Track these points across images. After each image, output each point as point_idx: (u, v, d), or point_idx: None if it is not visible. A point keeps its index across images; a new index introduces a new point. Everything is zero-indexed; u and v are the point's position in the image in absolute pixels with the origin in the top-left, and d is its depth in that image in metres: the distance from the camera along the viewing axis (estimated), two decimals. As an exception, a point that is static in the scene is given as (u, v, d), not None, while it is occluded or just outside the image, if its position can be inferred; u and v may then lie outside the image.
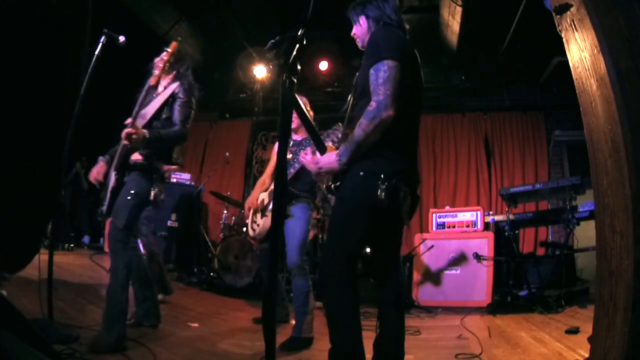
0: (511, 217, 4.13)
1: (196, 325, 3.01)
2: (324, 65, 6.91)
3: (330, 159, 1.69)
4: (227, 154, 6.17)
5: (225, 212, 5.38)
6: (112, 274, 2.27)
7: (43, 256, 2.01)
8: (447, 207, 5.01)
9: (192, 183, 6.05)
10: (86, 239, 6.77)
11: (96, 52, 2.55)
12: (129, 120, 2.24)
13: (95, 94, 2.60)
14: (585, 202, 3.96)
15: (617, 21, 1.36)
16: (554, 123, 6.35)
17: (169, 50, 2.33)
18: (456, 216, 4.54)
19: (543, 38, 3.79)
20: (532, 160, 6.33)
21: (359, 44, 1.88)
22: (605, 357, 1.31)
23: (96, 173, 2.50)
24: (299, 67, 1.22)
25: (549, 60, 5.92)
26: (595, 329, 1.42)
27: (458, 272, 4.23)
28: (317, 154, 1.80)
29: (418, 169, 1.84)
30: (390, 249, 1.80)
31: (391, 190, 1.55)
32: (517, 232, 4.34)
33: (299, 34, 1.24)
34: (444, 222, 4.58)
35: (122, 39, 2.64)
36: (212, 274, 4.87)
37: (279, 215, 1.30)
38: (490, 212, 5.01)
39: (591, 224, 2.43)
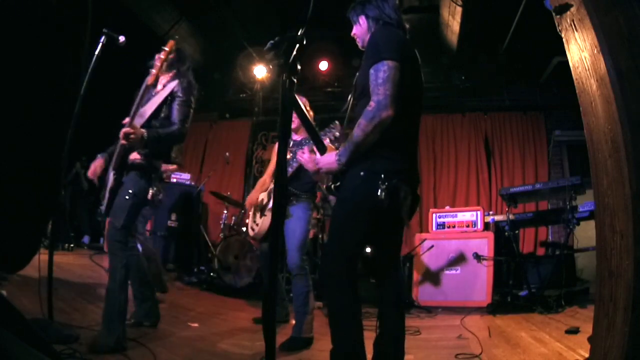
0: (511, 217, 4.13)
1: (196, 325, 3.01)
2: (324, 65, 6.91)
3: (329, 159, 1.69)
4: (227, 154, 6.18)
5: (225, 212, 5.38)
6: (110, 274, 2.27)
7: (43, 256, 2.01)
8: (447, 207, 5.01)
9: (192, 183, 6.05)
10: (86, 239, 6.77)
11: (96, 52, 2.55)
12: (126, 120, 2.22)
13: (95, 94, 2.60)
14: (585, 202, 3.96)
15: (617, 21, 1.36)
16: (554, 123, 6.35)
17: (166, 48, 2.32)
18: (456, 216, 4.54)
19: (543, 38, 3.79)
20: (532, 160, 6.33)
21: (359, 44, 1.88)
22: (605, 357, 1.31)
23: (94, 168, 2.50)
24: (299, 67, 1.22)
25: (549, 60, 5.91)
26: (595, 329, 1.42)
27: (458, 272, 4.23)
28: (317, 154, 1.80)
29: (418, 169, 1.84)
30: (390, 249, 1.80)
31: (392, 189, 1.55)
32: (517, 232, 4.34)
33: (299, 34, 1.24)
34: (444, 222, 4.58)
35: (122, 39, 2.64)
36: (212, 274, 4.87)
37: (279, 215, 1.30)
38: (490, 212, 5.02)
39: (591, 224, 2.43)
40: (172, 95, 2.39)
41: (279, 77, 1.23)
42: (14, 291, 2.60)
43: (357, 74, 1.78)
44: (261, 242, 3.14)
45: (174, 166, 5.29)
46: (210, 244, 5.21)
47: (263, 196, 3.08)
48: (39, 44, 0.73)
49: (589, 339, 1.72)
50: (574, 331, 2.57)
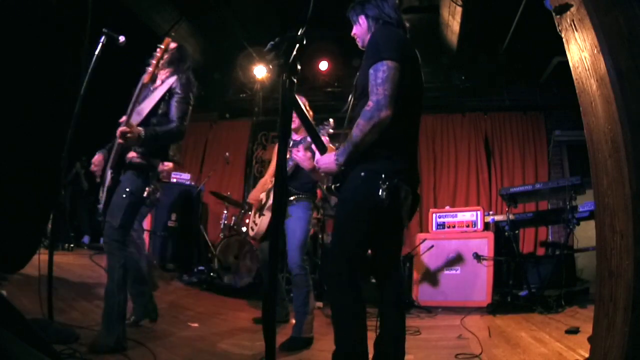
0: (511, 217, 4.13)
1: (196, 325, 3.01)
2: (324, 65, 6.91)
3: (328, 159, 1.69)
4: (227, 154, 6.17)
5: (225, 212, 5.38)
6: (108, 274, 2.25)
7: (43, 256, 2.02)
8: (447, 207, 5.01)
9: (192, 183, 6.05)
10: (86, 239, 6.77)
11: (96, 52, 2.55)
12: (123, 118, 2.19)
13: (95, 94, 2.60)
14: (585, 202, 3.96)
15: (617, 21, 1.36)
16: (554, 123, 6.35)
17: (162, 46, 2.30)
18: (456, 216, 4.54)
19: (543, 38, 3.79)
20: (532, 160, 6.33)
21: (359, 44, 1.88)
22: (605, 357, 1.31)
23: (95, 160, 2.48)
24: (299, 67, 1.22)
25: (549, 60, 5.91)
26: (595, 329, 1.42)
27: (458, 272, 4.23)
28: (317, 154, 1.80)
29: (418, 169, 1.84)
30: (390, 249, 1.80)
31: (392, 189, 1.55)
32: (517, 232, 4.34)
33: (299, 34, 1.24)
34: (444, 222, 4.58)
35: (122, 39, 2.63)
36: (212, 274, 4.87)
37: (279, 215, 1.30)
38: (490, 212, 5.02)
39: (591, 224, 2.43)
40: (170, 92, 2.36)
41: (279, 77, 1.23)
42: (14, 291, 2.60)
43: (358, 74, 1.77)
44: (260, 241, 3.14)
45: (172, 163, 5.27)
46: (210, 244, 5.21)
47: (262, 196, 3.08)
48: (39, 44, 0.73)
49: (589, 339, 1.72)
50: (574, 331, 2.57)
